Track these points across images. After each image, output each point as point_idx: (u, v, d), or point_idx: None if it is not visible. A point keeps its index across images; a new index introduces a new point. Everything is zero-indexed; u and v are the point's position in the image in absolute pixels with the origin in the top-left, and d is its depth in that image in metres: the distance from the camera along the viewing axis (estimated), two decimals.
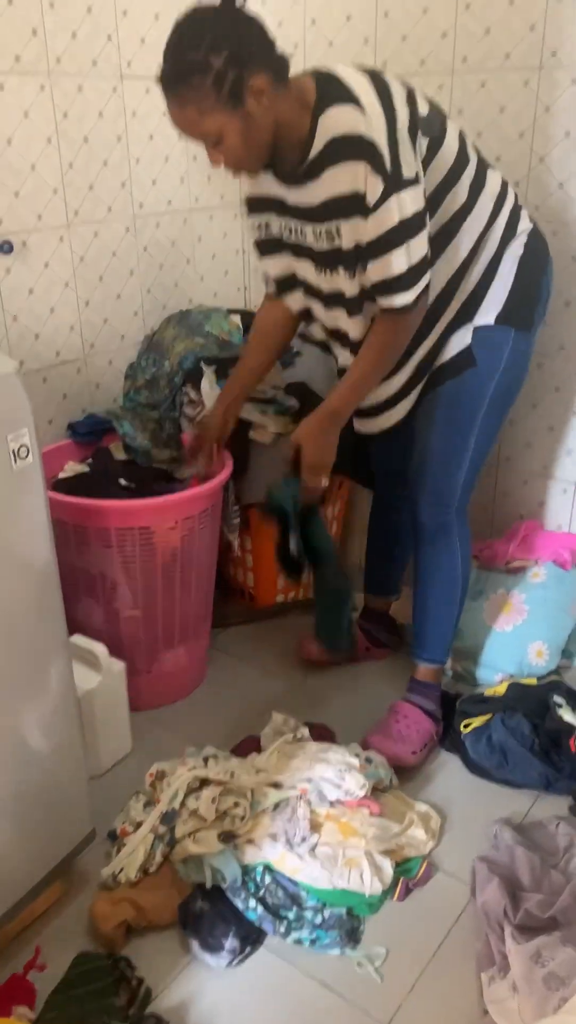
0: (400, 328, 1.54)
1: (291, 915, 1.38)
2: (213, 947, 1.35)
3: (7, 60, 1.74)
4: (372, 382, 1.61)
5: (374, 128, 1.35)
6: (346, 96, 1.37)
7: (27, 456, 1.18)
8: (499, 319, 1.59)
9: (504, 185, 1.60)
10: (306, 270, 1.61)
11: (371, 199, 1.38)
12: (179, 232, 2.22)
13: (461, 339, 1.60)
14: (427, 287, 1.49)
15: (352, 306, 1.56)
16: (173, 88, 1.36)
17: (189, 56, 1.33)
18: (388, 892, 1.44)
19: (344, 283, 1.54)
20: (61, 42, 1.83)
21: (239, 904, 1.38)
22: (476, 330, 1.59)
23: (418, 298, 1.48)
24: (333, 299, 1.60)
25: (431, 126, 1.45)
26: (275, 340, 1.80)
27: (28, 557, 1.22)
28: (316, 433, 1.62)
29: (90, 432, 2.08)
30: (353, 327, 1.59)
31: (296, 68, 1.44)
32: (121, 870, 1.44)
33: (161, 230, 2.17)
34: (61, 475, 1.96)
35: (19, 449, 1.17)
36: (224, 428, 1.86)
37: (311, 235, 1.53)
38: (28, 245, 1.87)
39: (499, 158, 1.89)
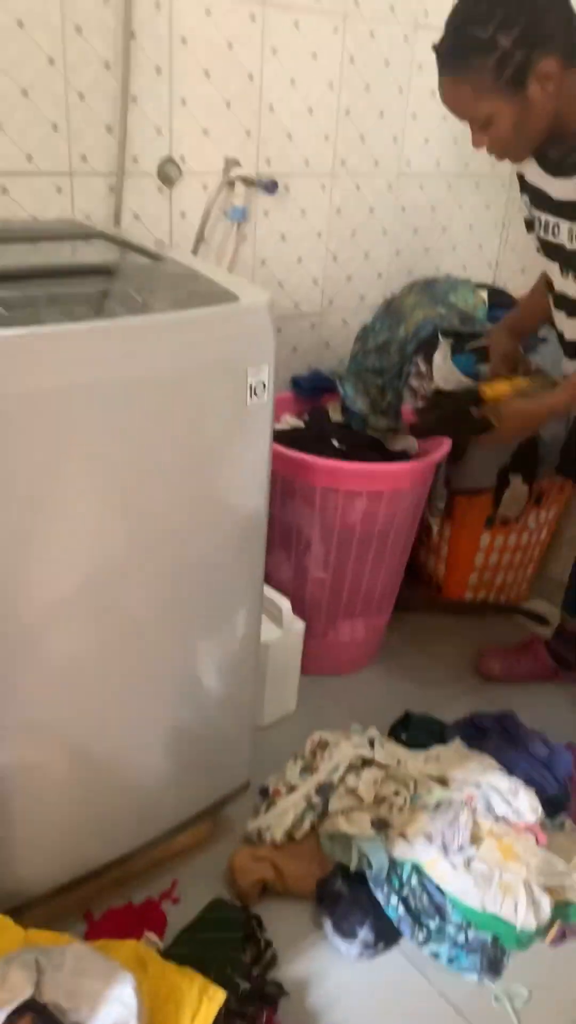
0: None
1: (433, 925, 1.30)
2: (346, 933, 1.29)
3: None
4: None
5: None
6: None
7: (263, 394, 1.15)
8: None
9: None
10: (553, 272, 1.48)
11: None
12: (441, 196, 2.13)
13: None
14: None
15: None
16: (450, 64, 1.26)
17: (474, 31, 1.21)
18: (541, 932, 1.32)
19: None
20: None
21: (380, 897, 1.32)
22: None
23: None
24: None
25: None
26: (544, 303, 1.65)
27: (245, 495, 1.20)
28: (521, 419, 1.54)
29: (312, 388, 2.05)
30: None
31: None
32: (267, 828, 1.42)
33: (423, 192, 2.09)
34: (277, 426, 1.95)
35: (257, 385, 1.14)
36: (512, 345, 1.76)
37: (566, 233, 1.39)
38: (290, 189, 1.85)
39: None
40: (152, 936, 1.25)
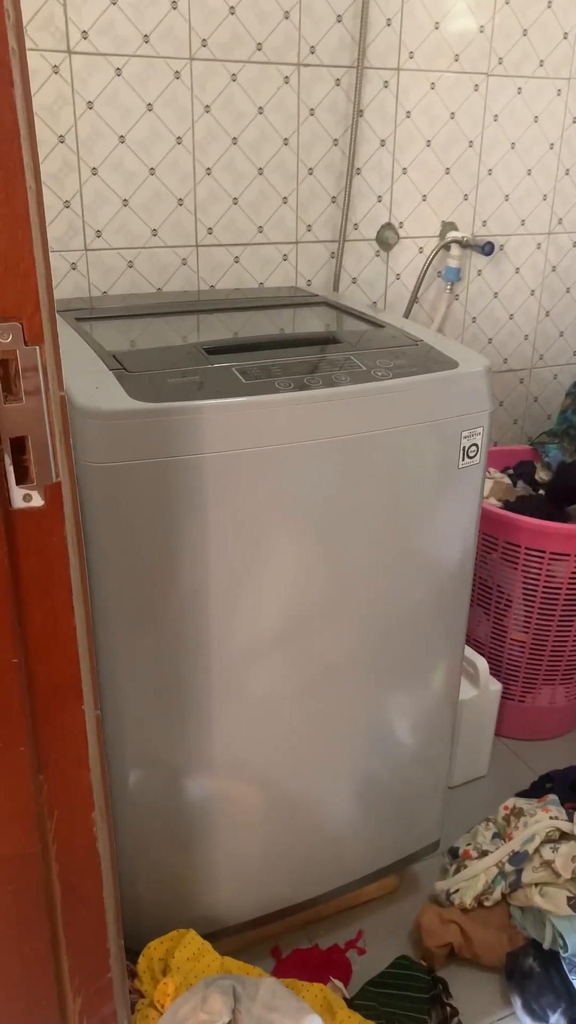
0: None
1: None
2: (537, 1014, 1.24)
3: (532, 64, 1.73)
4: None
5: None
6: None
7: (475, 456, 1.17)
8: None
9: None
10: None
11: None
12: None
13: None
14: None
15: None
16: None
17: None
18: None
19: None
20: None
21: (575, 981, 1.26)
22: None
23: None
24: None
25: None
26: None
27: (451, 554, 1.22)
28: None
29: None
30: None
31: None
32: (456, 891, 1.40)
33: None
34: None
35: (470, 448, 1.16)
36: None
37: None
38: (505, 249, 1.87)
39: None
40: (338, 983, 1.27)
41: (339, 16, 1.53)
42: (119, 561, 0.98)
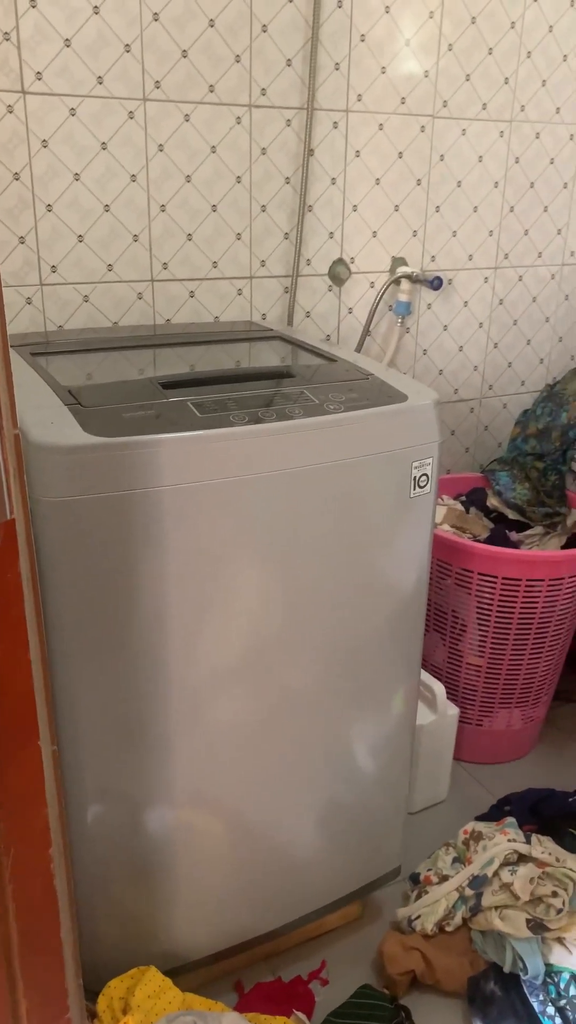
0: None
1: None
2: None
3: (475, 107, 1.80)
4: None
5: None
6: None
7: (426, 486, 1.20)
8: None
9: None
10: None
11: None
12: None
13: None
14: None
15: None
16: None
17: None
18: None
19: None
20: (530, 90, 1.85)
21: (535, 1004, 1.27)
22: None
23: None
24: None
25: None
26: None
27: (405, 581, 1.24)
28: None
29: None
30: None
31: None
32: (418, 917, 1.40)
33: None
34: None
35: (420, 478, 1.19)
36: None
37: None
38: (454, 283, 1.93)
39: None
40: (301, 1015, 1.26)
41: (289, 60, 1.58)
42: (76, 595, 0.98)
